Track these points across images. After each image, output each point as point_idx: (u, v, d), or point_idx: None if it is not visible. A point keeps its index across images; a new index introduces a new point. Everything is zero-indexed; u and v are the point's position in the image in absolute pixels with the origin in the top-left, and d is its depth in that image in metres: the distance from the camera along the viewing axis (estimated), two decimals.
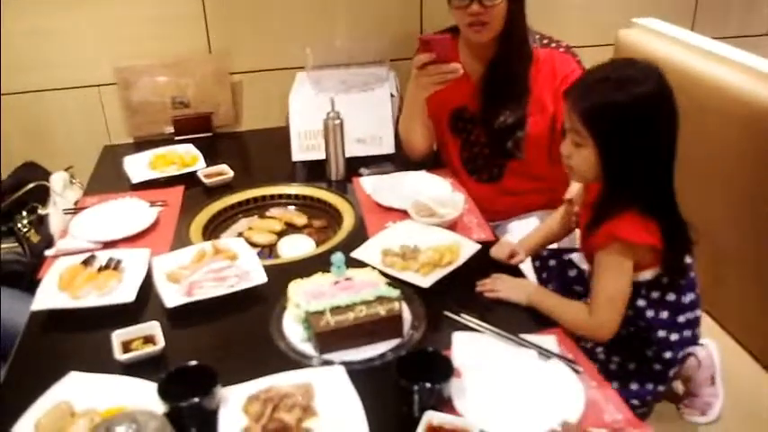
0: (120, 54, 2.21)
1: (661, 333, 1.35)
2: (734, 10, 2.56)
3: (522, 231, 1.74)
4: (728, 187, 1.61)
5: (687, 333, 1.38)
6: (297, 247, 1.64)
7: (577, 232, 1.55)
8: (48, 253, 1.59)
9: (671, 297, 1.34)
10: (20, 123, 2.22)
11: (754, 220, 1.57)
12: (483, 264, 1.47)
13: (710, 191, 1.64)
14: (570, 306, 1.34)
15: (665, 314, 1.35)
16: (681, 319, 1.36)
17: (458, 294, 1.38)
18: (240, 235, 1.68)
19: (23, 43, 2.14)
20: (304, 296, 1.27)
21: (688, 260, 1.35)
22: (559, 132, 1.50)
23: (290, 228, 1.74)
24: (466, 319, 1.28)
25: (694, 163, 1.64)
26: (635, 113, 1.21)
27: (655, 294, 1.34)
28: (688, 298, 1.36)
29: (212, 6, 2.22)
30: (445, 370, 1.09)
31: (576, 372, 1.15)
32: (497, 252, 1.51)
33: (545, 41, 1.80)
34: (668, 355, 1.36)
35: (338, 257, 1.33)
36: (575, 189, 1.53)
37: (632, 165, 1.24)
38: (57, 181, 2.00)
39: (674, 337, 1.36)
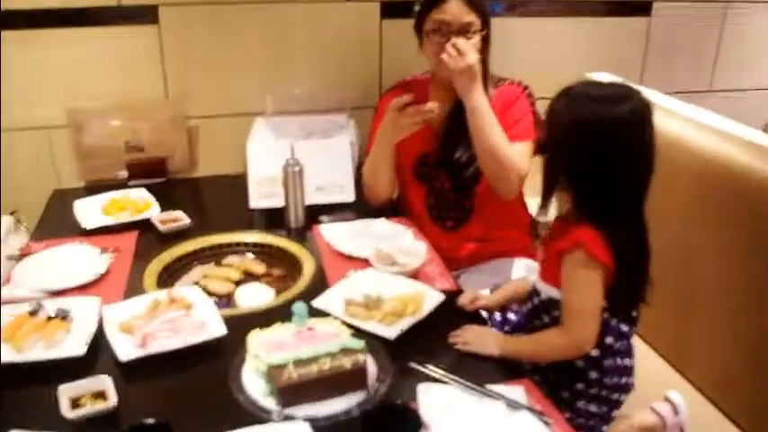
0: (72, 95, 2.15)
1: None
2: (679, 66, 2.68)
3: (480, 278, 1.78)
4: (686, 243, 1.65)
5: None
6: (255, 296, 1.59)
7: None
8: None
9: (608, 339, 1.34)
10: None
11: (719, 269, 1.59)
12: (447, 314, 1.45)
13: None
14: (544, 335, 1.34)
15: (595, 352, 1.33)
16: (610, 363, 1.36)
17: (423, 345, 1.35)
18: (196, 284, 1.62)
19: None
20: (264, 348, 1.23)
21: (624, 328, 1.35)
22: None
23: (249, 276, 1.69)
24: (432, 370, 1.26)
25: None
26: (615, 131, 1.24)
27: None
28: (625, 362, 1.37)
29: (170, 48, 2.19)
30: (412, 424, 1.06)
31: (546, 423, 1.13)
32: (461, 299, 1.50)
33: (500, 83, 1.85)
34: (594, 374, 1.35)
35: (300, 307, 1.30)
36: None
37: (600, 183, 1.26)
38: None
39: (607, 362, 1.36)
